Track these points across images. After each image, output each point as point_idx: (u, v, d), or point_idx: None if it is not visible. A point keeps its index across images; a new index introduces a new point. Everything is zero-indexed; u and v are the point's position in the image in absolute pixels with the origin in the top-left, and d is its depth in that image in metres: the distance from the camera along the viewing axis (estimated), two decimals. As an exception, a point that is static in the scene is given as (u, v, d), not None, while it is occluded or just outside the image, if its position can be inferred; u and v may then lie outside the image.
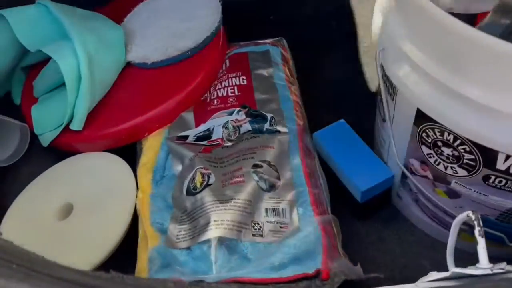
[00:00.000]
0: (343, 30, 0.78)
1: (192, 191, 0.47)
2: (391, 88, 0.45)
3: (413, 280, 0.52)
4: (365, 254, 0.53)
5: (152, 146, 0.55)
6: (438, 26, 0.34)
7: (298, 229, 0.45)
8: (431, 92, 0.39)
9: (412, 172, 0.49)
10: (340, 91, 0.70)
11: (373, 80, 0.71)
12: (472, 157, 0.39)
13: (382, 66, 0.44)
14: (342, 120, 0.58)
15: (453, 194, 0.46)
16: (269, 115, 0.55)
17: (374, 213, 0.57)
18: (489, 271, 0.34)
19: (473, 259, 0.41)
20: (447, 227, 0.51)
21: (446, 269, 0.41)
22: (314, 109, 0.63)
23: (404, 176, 0.51)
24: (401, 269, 0.52)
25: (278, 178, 0.49)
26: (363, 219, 0.57)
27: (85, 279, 0.28)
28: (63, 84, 0.61)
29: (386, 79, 0.45)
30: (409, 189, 0.51)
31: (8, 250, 0.26)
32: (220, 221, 0.43)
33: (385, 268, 0.52)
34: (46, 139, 0.59)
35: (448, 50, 0.35)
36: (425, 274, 0.52)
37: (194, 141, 0.54)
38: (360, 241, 0.55)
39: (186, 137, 0.54)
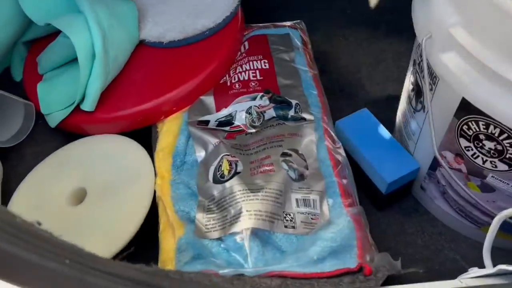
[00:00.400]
0: (358, 15, 0.77)
1: (219, 179, 0.45)
2: (430, 77, 0.43)
3: (436, 272, 0.51)
4: (387, 246, 0.53)
5: (170, 130, 0.52)
6: (500, 11, 0.32)
7: (330, 221, 0.43)
8: (481, 81, 0.37)
9: (442, 165, 0.47)
10: (355, 78, 0.69)
11: (389, 66, 0.69)
12: (518, 151, 0.38)
13: (425, 55, 0.42)
14: (366, 108, 0.57)
15: (487, 188, 0.45)
16: (293, 102, 0.52)
17: (395, 204, 0.56)
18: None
19: (503, 255, 0.41)
20: (474, 221, 0.50)
21: (477, 264, 0.40)
22: (330, 95, 0.62)
23: (432, 168, 0.50)
24: (425, 262, 0.52)
25: (306, 168, 0.47)
26: (384, 210, 0.56)
27: (129, 273, 0.26)
28: (71, 61, 0.58)
29: (427, 68, 0.43)
30: (437, 181, 0.50)
31: (53, 242, 0.24)
32: (252, 212, 0.42)
33: (409, 261, 0.51)
34: (54, 119, 0.56)
35: (507, 37, 0.34)
36: (450, 267, 0.52)
37: (216, 126, 0.52)
38: (382, 233, 0.54)
39: (207, 121, 0.52)
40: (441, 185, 0.50)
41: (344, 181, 0.48)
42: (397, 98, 0.65)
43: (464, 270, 0.39)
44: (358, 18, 0.76)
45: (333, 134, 0.53)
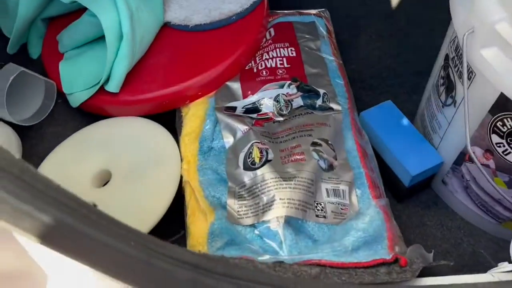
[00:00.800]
0: (378, 7, 0.76)
1: (250, 166, 0.45)
2: (466, 72, 0.43)
3: (456, 265, 0.52)
4: (407, 238, 0.53)
5: (196, 115, 0.52)
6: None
7: (359, 212, 0.43)
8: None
9: (470, 160, 0.48)
10: (375, 69, 0.69)
11: (408, 59, 0.70)
12: (553, 150, 0.39)
13: (465, 50, 0.42)
14: (390, 101, 0.57)
15: (514, 185, 0.45)
16: (321, 91, 0.52)
17: (415, 197, 0.57)
18: None
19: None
20: (495, 216, 0.51)
21: (493, 258, 0.41)
22: (352, 86, 0.61)
23: (457, 162, 0.50)
24: (444, 254, 0.52)
25: (335, 158, 0.47)
26: (403, 202, 0.56)
27: (186, 256, 0.26)
28: (94, 40, 0.57)
29: (462, 62, 0.43)
30: (461, 176, 0.51)
31: (118, 224, 0.24)
32: (286, 200, 0.42)
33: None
34: (76, 100, 0.55)
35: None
36: (468, 260, 0.52)
37: (243, 113, 0.51)
38: (402, 225, 0.54)
39: (234, 108, 0.52)
40: (465, 180, 0.51)
41: (371, 172, 0.48)
42: (416, 91, 0.65)
43: (486, 264, 0.40)
44: (378, 9, 0.76)
45: (359, 125, 0.53)
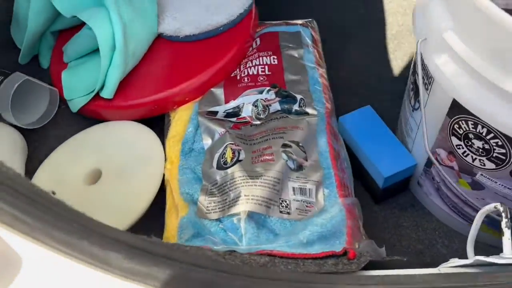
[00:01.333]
0: (371, 15, 0.79)
1: (222, 166, 0.49)
2: (426, 78, 0.45)
3: (428, 265, 0.53)
4: (382, 238, 0.55)
5: (181, 119, 0.56)
6: (489, 20, 0.34)
7: (324, 209, 0.46)
8: (470, 84, 0.39)
9: (437, 162, 0.50)
10: (364, 76, 0.71)
11: (398, 66, 0.72)
12: (503, 151, 0.40)
13: (421, 55, 0.44)
14: (369, 106, 0.59)
15: (476, 186, 0.47)
16: (298, 97, 0.55)
17: (393, 198, 0.59)
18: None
19: (489, 249, 0.43)
20: (466, 217, 0.52)
21: (465, 257, 0.42)
22: (338, 92, 0.64)
23: (427, 165, 0.52)
24: (418, 255, 0.54)
25: (306, 159, 0.50)
26: (381, 203, 0.58)
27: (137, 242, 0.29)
28: (94, 51, 0.62)
29: (423, 68, 0.45)
30: (432, 178, 0.52)
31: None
32: (250, 196, 0.45)
33: (402, 253, 0.54)
34: (76, 105, 0.60)
35: (495, 44, 0.36)
36: (441, 261, 0.54)
37: (224, 117, 0.55)
38: (378, 225, 0.56)
39: (216, 112, 0.55)
40: (435, 182, 0.52)
41: (341, 173, 0.51)
42: (402, 97, 0.67)
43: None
44: (371, 18, 0.78)
45: (335, 129, 0.56)
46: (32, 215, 0.26)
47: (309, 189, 0.48)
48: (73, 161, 0.56)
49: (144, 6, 0.61)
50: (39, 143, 0.62)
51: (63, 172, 0.56)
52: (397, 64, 0.72)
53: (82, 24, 0.65)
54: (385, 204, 0.58)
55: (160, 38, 0.63)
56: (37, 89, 0.62)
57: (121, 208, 0.51)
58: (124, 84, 0.59)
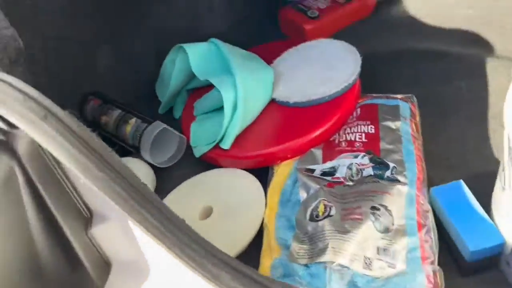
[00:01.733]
0: (473, 93, 0.81)
1: (314, 218, 0.56)
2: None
3: None
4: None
5: (283, 172, 0.65)
6: None
7: (405, 271, 0.50)
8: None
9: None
10: (461, 152, 0.73)
11: (496, 146, 0.73)
12: None
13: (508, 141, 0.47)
14: (461, 180, 0.62)
15: None
16: (391, 164, 0.61)
17: (480, 274, 0.59)
18: None
19: None
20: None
21: None
22: (434, 165, 0.68)
23: (516, 245, 0.53)
24: (499, 335, 0.54)
25: (392, 223, 0.55)
26: (467, 277, 0.59)
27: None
28: (219, 109, 0.75)
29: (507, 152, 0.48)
30: (521, 258, 0.53)
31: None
32: (337, 249, 0.51)
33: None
34: (199, 151, 0.73)
35: None
36: None
37: (320, 175, 0.63)
38: (460, 299, 0.57)
39: (313, 170, 0.63)
40: (525, 263, 0.53)
41: (427, 241, 0.54)
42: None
43: None
44: (472, 96, 0.81)
45: (425, 199, 0.60)
46: (172, 232, 0.35)
47: (393, 251, 0.52)
48: (190, 198, 0.68)
49: (264, 75, 0.73)
50: (165, 179, 0.75)
51: (182, 206, 0.67)
52: (495, 143, 0.73)
53: (211, 86, 0.79)
54: (471, 279, 0.59)
55: (273, 102, 0.74)
56: (169, 135, 0.77)
57: (226, 242, 0.60)
58: (240, 138, 0.70)
